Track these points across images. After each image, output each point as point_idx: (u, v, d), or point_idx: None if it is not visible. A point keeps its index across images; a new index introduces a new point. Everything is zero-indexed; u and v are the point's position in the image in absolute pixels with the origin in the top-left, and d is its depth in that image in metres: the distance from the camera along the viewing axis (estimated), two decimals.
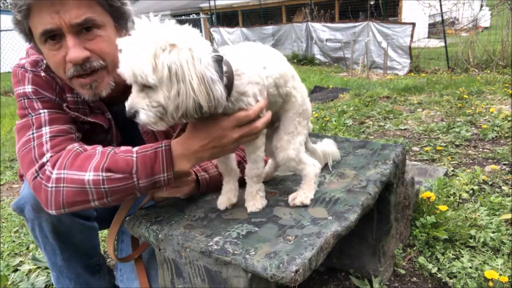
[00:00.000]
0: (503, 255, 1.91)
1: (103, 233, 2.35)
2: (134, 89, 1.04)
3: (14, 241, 2.55)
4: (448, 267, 1.84)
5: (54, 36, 1.19)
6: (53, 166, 1.16)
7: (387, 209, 1.72)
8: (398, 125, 4.49)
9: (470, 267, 1.80)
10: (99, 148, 1.21)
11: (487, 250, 1.95)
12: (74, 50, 1.19)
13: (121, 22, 1.31)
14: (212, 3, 16.85)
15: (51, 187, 1.14)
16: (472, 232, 2.04)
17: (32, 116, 1.27)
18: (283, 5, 17.67)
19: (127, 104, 1.05)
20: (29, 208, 1.36)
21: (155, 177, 1.17)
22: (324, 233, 1.17)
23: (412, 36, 9.25)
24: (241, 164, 1.41)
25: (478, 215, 2.24)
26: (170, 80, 0.98)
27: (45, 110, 1.28)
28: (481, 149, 3.51)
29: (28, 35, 1.24)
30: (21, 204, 1.38)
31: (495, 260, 1.86)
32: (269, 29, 13.17)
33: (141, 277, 1.57)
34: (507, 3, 8.27)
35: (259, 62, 1.21)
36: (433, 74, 8.68)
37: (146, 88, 1.02)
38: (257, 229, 1.22)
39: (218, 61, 1.05)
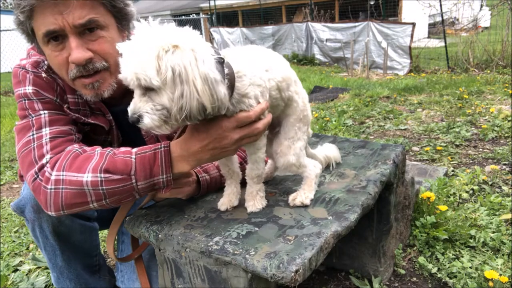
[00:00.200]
0: (503, 255, 1.91)
1: (103, 233, 2.35)
2: (137, 94, 1.03)
3: (14, 241, 2.55)
4: (448, 267, 1.84)
5: (57, 37, 1.19)
6: (52, 168, 1.16)
7: (387, 209, 1.72)
8: (398, 125, 4.49)
9: (470, 267, 1.81)
10: (98, 149, 1.21)
11: (487, 250, 1.95)
12: (77, 51, 1.19)
13: (124, 23, 1.31)
14: (212, 3, 16.85)
15: (50, 188, 1.14)
16: (472, 232, 2.04)
17: (33, 117, 1.27)
18: (283, 5, 17.67)
19: (130, 109, 1.04)
20: (29, 208, 1.36)
21: (153, 179, 1.17)
22: (324, 233, 1.17)
23: (412, 36, 9.25)
24: (242, 165, 1.41)
25: (478, 215, 2.24)
26: (173, 81, 0.98)
27: (46, 111, 1.28)
28: (481, 149, 3.51)
29: (31, 35, 1.24)
30: (22, 205, 1.38)
31: (495, 260, 1.86)
32: (269, 29, 13.16)
33: (141, 277, 1.58)
34: (507, 3, 8.27)
35: (261, 65, 1.21)
36: (433, 74, 8.68)
37: (149, 91, 1.01)
38: (257, 229, 1.22)
39: (220, 63, 1.05)
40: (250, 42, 13.53)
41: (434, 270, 1.83)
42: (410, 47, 9.27)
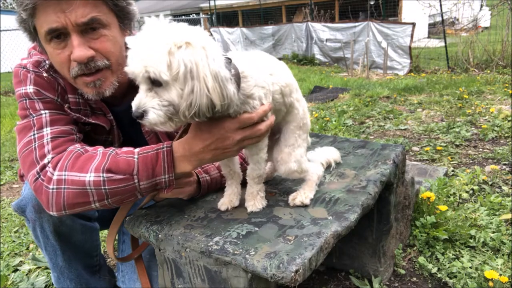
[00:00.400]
0: (503, 255, 1.91)
1: (103, 233, 2.35)
2: (142, 89, 1.03)
3: (14, 241, 2.55)
4: (448, 267, 1.84)
5: (59, 35, 1.19)
6: (54, 168, 1.16)
7: (387, 209, 1.72)
8: (398, 125, 4.49)
9: (470, 267, 1.81)
10: (100, 149, 1.21)
11: (487, 250, 1.95)
12: (79, 49, 1.19)
13: (126, 22, 1.31)
14: (212, 3, 16.85)
15: (52, 188, 1.14)
16: (472, 232, 2.04)
17: (34, 117, 1.27)
18: (283, 5, 17.67)
19: (134, 104, 1.04)
20: (30, 208, 1.36)
21: (156, 179, 1.17)
22: (324, 233, 1.17)
23: (412, 36, 9.25)
24: (242, 165, 1.41)
25: (478, 215, 2.24)
26: (185, 77, 0.98)
27: (47, 111, 1.28)
28: (481, 149, 3.52)
29: (33, 34, 1.24)
30: (23, 205, 1.38)
31: (495, 260, 1.86)
32: (269, 29, 13.16)
33: (142, 277, 1.58)
34: (507, 3, 8.27)
35: (265, 69, 1.22)
36: (433, 74, 8.68)
37: (155, 87, 1.01)
38: (257, 229, 1.22)
39: (227, 63, 1.06)
40: (250, 42, 13.54)
41: (434, 270, 1.83)
42: (410, 47, 9.27)
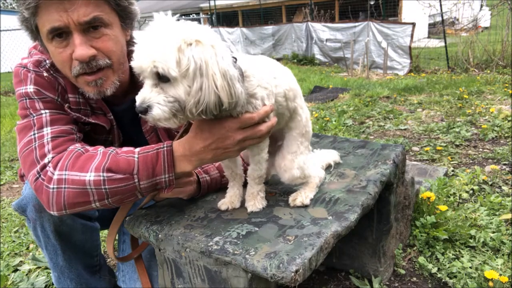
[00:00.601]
0: (503, 255, 1.91)
1: (103, 233, 2.35)
2: (148, 84, 1.03)
3: (14, 241, 2.55)
4: (448, 267, 1.84)
5: (61, 33, 1.20)
6: (54, 167, 1.16)
7: (387, 209, 1.72)
8: (398, 125, 4.49)
9: (470, 267, 1.81)
10: (100, 148, 1.21)
11: (487, 250, 1.95)
12: (81, 48, 1.19)
13: (128, 21, 1.32)
14: (212, 3, 16.85)
15: (53, 188, 1.14)
16: (472, 232, 2.04)
17: (34, 117, 1.27)
18: (283, 5, 17.67)
19: (138, 99, 1.03)
20: (31, 208, 1.36)
21: (156, 178, 1.17)
22: (324, 233, 1.17)
23: (412, 36, 9.25)
24: (243, 166, 1.41)
25: (478, 215, 2.24)
26: (194, 74, 0.98)
27: (47, 111, 1.28)
28: (481, 149, 3.52)
29: (35, 32, 1.25)
30: (23, 204, 1.38)
31: (495, 260, 1.87)
32: (269, 29, 13.16)
33: (142, 277, 1.58)
34: (507, 3, 8.27)
35: (269, 72, 1.23)
36: (433, 74, 8.68)
37: (162, 82, 1.01)
38: (257, 229, 1.22)
39: (234, 62, 1.07)
40: (250, 42, 13.54)
41: (434, 270, 1.83)
42: (410, 47, 9.28)
